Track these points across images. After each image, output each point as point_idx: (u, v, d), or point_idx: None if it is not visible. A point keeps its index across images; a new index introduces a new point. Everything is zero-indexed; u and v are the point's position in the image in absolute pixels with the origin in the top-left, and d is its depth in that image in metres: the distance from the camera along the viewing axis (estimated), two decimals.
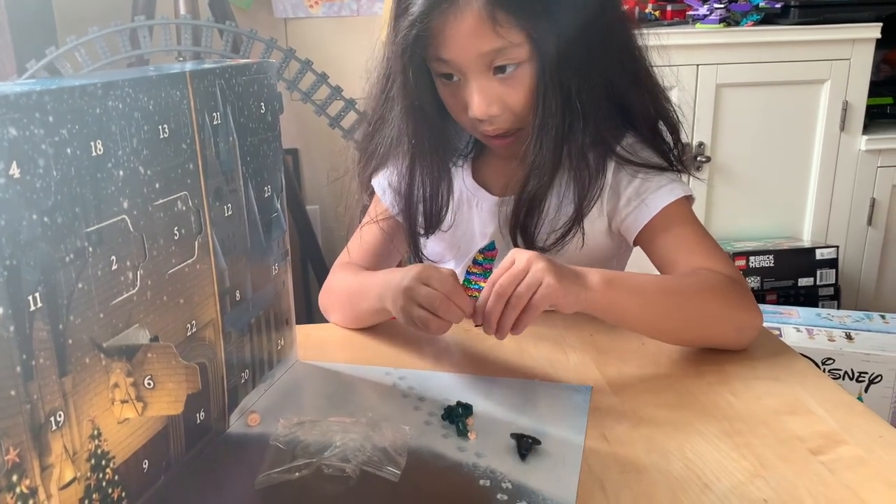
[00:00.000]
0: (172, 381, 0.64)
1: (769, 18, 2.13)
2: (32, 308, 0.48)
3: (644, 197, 0.92)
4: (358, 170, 1.05)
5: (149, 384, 0.61)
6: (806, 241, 2.21)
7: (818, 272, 2.13)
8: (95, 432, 0.55)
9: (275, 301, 0.81)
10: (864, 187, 2.19)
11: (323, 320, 1.00)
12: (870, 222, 2.22)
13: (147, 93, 0.58)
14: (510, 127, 0.91)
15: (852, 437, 0.69)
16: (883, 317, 1.84)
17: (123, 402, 0.58)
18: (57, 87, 0.50)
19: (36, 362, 0.48)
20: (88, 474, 0.54)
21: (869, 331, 1.76)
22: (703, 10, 2.13)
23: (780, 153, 2.16)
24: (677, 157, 0.95)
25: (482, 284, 0.79)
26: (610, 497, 0.62)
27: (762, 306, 0.87)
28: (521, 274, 0.74)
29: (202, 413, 0.69)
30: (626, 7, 2.09)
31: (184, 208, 0.64)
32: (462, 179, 1.02)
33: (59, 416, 0.51)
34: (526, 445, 0.67)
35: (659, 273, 0.92)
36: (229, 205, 0.71)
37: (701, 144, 2.12)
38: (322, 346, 0.92)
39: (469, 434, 0.70)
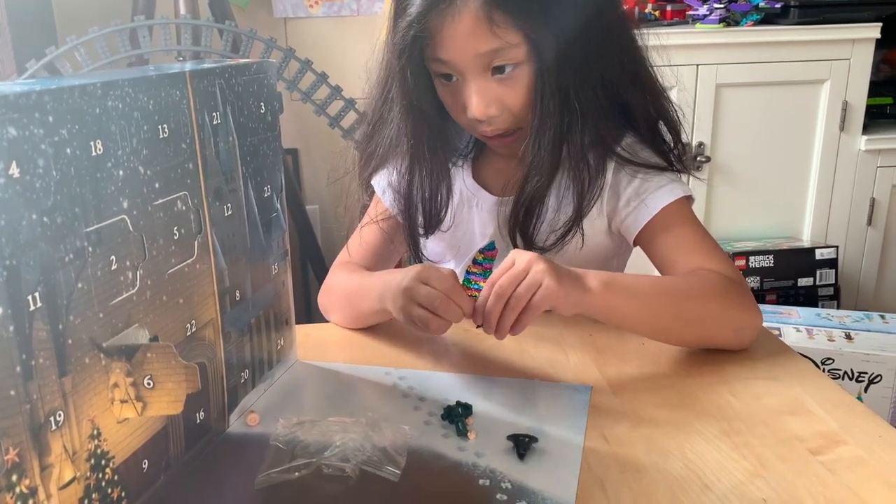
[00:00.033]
0: (172, 381, 0.64)
1: (769, 18, 2.13)
2: (32, 308, 0.48)
3: (644, 197, 0.92)
4: (358, 170, 1.05)
5: (148, 384, 0.61)
6: (806, 241, 2.21)
7: (818, 272, 2.13)
8: (95, 432, 0.55)
9: (274, 301, 0.81)
10: (863, 187, 2.19)
11: (322, 320, 1.00)
12: (869, 222, 2.22)
13: (147, 92, 0.58)
14: (509, 127, 0.91)
15: (852, 437, 0.69)
16: (882, 317, 1.84)
17: (123, 401, 0.58)
18: (56, 86, 0.50)
19: (35, 362, 0.48)
20: (88, 474, 0.54)
21: (868, 331, 1.76)
22: (702, 10, 2.13)
23: (779, 153, 2.16)
24: (677, 157, 0.95)
25: (482, 284, 0.79)
26: (610, 497, 0.62)
27: (762, 306, 0.87)
28: (521, 275, 0.74)
29: (202, 413, 0.69)
30: (625, 7, 2.10)
31: (183, 208, 0.64)
32: (462, 179, 1.02)
33: (59, 415, 0.51)
34: (523, 445, 0.67)
35: (659, 273, 0.92)
36: (229, 204, 0.71)
37: (701, 144, 2.12)
38: (322, 345, 0.92)
39: (469, 434, 0.70)
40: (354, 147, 1.07)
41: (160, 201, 0.61)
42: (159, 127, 0.60)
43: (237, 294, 0.74)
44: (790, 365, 0.83)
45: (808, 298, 2.12)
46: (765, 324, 0.87)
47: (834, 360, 1.69)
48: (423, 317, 0.77)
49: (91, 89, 0.53)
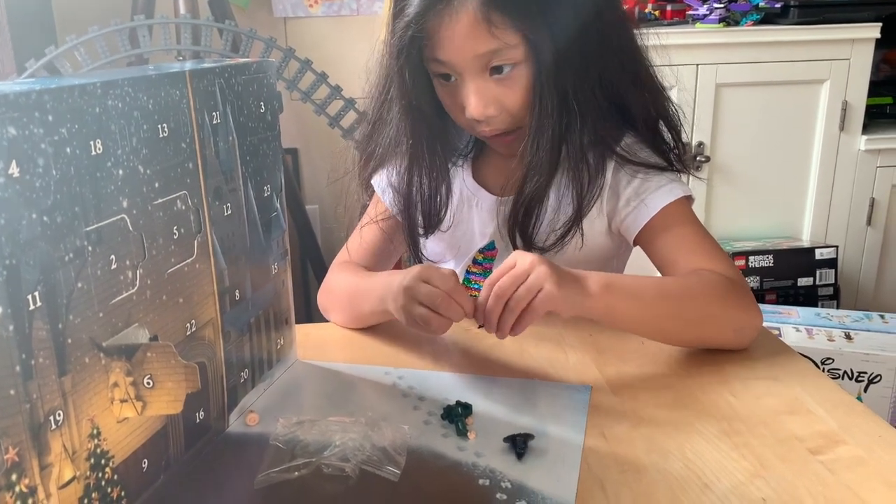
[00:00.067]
0: (172, 381, 0.64)
1: (769, 18, 2.13)
2: (32, 307, 0.48)
3: (643, 197, 0.92)
4: (358, 169, 1.05)
5: (148, 383, 0.61)
6: (805, 241, 2.21)
7: (817, 272, 2.13)
8: (95, 431, 0.55)
9: (274, 300, 0.81)
10: (863, 187, 2.19)
11: (322, 320, 1.00)
12: (869, 222, 2.22)
13: (146, 92, 0.58)
14: (507, 127, 0.91)
15: (852, 436, 0.69)
16: (882, 317, 1.84)
17: (123, 401, 0.58)
18: (56, 86, 0.50)
19: (35, 361, 0.48)
20: (88, 473, 0.54)
21: (868, 331, 1.76)
22: (702, 10, 2.13)
23: (779, 153, 2.16)
24: (677, 157, 0.95)
25: (482, 284, 0.79)
26: (609, 497, 0.62)
27: (762, 306, 0.87)
28: (522, 277, 0.74)
29: (201, 412, 0.69)
30: (625, 7, 2.10)
31: (183, 207, 0.64)
32: (462, 179, 1.02)
33: (59, 415, 0.51)
34: (520, 445, 0.67)
35: (659, 273, 0.92)
36: (229, 204, 0.71)
37: (700, 144, 2.12)
38: (321, 345, 0.92)
39: (468, 433, 0.70)
40: (354, 147, 1.07)
41: (160, 201, 0.61)
42: (159, 126, 0.60)
43: (237, 293, 0.73)
44: (790, 365, 0.83)
45: (808, 298, 2.13)
46: (764, 324, 0.87)
47: (833, 360, 1.69)
48: (425, 315, 0.77)
49: (91, 89, 0.53)
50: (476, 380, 0.82)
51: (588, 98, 0.88)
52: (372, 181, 1.04)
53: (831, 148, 2.16)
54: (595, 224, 0.96)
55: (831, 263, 2.13)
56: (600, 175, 0.93)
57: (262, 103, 0.76)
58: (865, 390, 1.69)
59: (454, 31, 0.83)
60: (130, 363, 0.58)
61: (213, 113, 0.68)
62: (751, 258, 2.09)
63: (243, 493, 0.64)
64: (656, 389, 0.78)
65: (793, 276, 2.12)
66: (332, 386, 0.82)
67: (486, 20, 0.82)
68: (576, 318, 0.85)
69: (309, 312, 2.19)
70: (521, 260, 0.76)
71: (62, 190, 0.50)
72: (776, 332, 1.73)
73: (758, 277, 2.10)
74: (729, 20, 2.11)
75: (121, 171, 0.56)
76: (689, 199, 0.94)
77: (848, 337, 1.74)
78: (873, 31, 2.06)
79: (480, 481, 0.64)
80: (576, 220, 0.93)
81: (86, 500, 0.54)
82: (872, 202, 2.21)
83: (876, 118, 2.23)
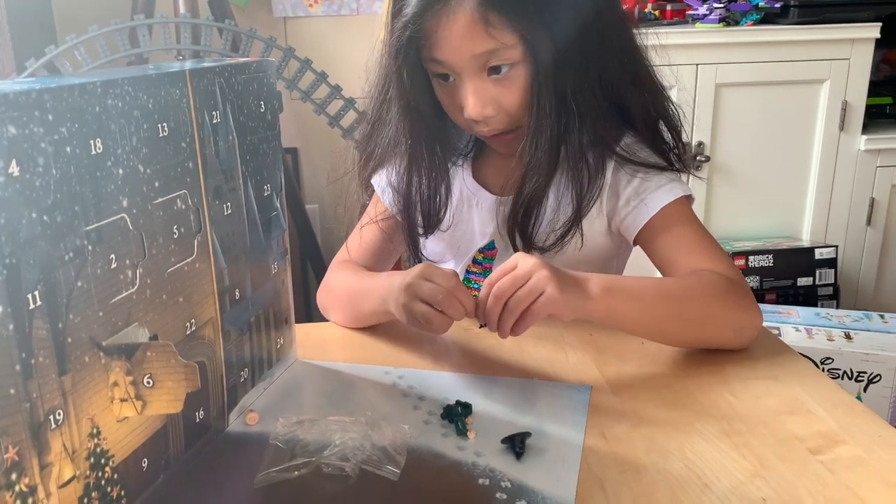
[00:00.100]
0: (172, 380, 0.64)
1: (769, 18, 2.13)
2: (32, 306, 0.48)
3: (643, 197, 0.92)
4: (357, 169, 1.05)
5: (148, 383, 0.61)
6: (805, 241, 2.21)
7: (817, 272, 2.13)
8: (95, 431, 0.55)
9: (274, 300, 0.81)
10: (863, 187, 2.20)
11: (322, 319, 1.00)
12: (869, 222, 2.22)
13: (146, 91, 0.58)
14: (506, 127, 0.91)
15: (851, 436, 0.69)
16: (882, 316, 1.84)
17: (123, 400, 0.58)
18: (56, 85, 0.50)
19: (35, 361, 0.48)
20: (88, 473, 0.54)
21: (868, 330, 1.76)
22: (702, 10, 2.13)
23: (779, 153, 2.16)
24: (677, 157, 0.95)
25: (482, 284, 0.79)
26: (609, 496, 0.62)
27: (761, 306, 0.87)
28: (522, 279, 0.74)
29: (201, 412, 0.69)
30: (625, 7, 2.10)
31: (183, 207, 0.64)
32: (462, 178, 1.02)
33: (59, 414, 0.51)
34: (519, 445, 0.67)
35: (659, 272, 0.92)
36: (229, 203, 0.71)
37: (700, 144, 2.12)
38: (321, 344, 0.92)
39: (468, 433, 0.70)
40: (354, 147, 1.07)
41: (160, 200, 0.61)
42: (159, 126, 0.60)
43: (237, 293, 0.73)
44: (790, 365, 0.83)
45: (808, 298, 2.13)
46: (764, 323, 0.87)
47: (833, 360, 1.69)
48: (426, 312, 0.77)
49: (91, 88, 0.52)
50: (476, 379, 0.82)
51: (587, 98, 0.88)
52: (371, 181, 1.04)
53: (831, 148, 2.16)
54: (595, 224, 0.96)
55: (831, 263, 2.13)
56: (600, 175, 0.93)
57: (262, 103, 0.76)
58: (865, 390, 1.69)
59: (451, 32, 0.83)
60: (130, 362, 0.58)
61: (213, 112, 0.67)
62: (751, 258, 2.09)
63: (243, 492, 0.64)
64: (656, 389, 0.78)
65: (792, 275, 2.12)
66: (331, 385, 0.82)
67: (483, 20, 0.82)
68: (576, 319, 0.86)
69: (309, 312, 2.20)
70: (522, 262, 0.76)
71: (62, 189, 0.50)
72: (776, 332, 1.73)
73: (757, 277, 2.10)
74: (729, 20, 2.11)
75: (121, 171, 0.56)
76: (688, 199, 0.94)
77: (848, 337, 1.74)
78: (873, 30, 2.06)
79: (480, 481, 0.64)
80: (575, 220, 0.93)
81: (86, 500, 0.54)
82: (872, 202, 2.21)
83: (876, 118, 2.23)
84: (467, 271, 1.04)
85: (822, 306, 2.10)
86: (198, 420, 0.68)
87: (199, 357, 0.68)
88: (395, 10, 0.87)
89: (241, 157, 0.73)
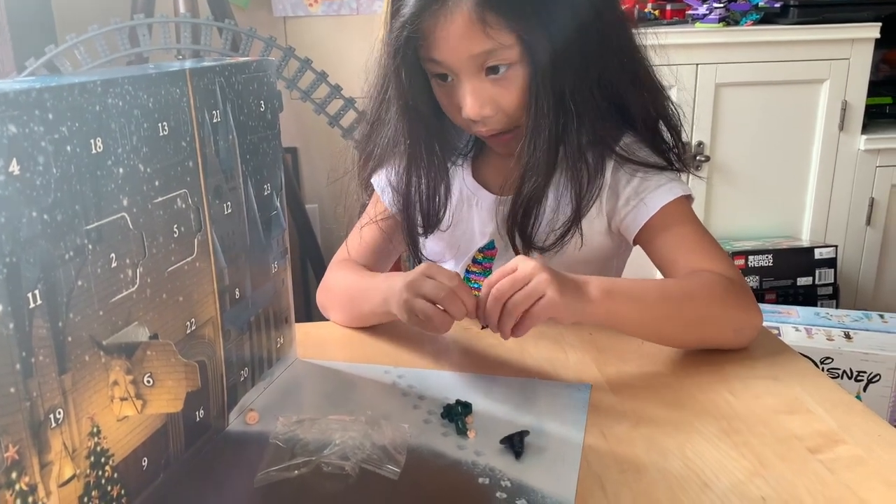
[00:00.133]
0: (172, 379, 0.64)
1: (768, 18, 2.13)
2: (32, 305, 0.48)
3: (643, 196, 0.92)
4: (357, 169, 1.05)
5: (148, 382, 0.61)
6: (805, 241, 2.21)
7: (817, 271, 2.13)
8: (95, 430, 0.55)
9: (274, 299, 0.81)
10: (862, 187, 2.20)
11: (322, 319, 1.00)
12: (868, 222, 2.22)
13: (147, 90, 0.58)
14: (504, 127, 0.91)
15: (851, 436, 0.69)
16: (881, 316, 1.84)
17: (123, 399, 0.58)
18: (57, 84, 0.50)
19: (35, 360, 0.48)
20: (88, 472, 0.54)
21: (868, 330, 1.76)
22: (702, 10, 2.13)
23: (779, 153, 2.16)
24: (677, 157, 0.95)
25: (482, 283, 0.79)
26: (609, 496, 0.62)
27: (761, 306, 0.87)
28: (522, 282, 0.75)
29: (201, 411, 0.69)
30: (625, 6, 2.10)
31: (183, 206, 0.64)
32: (462, 178, 1.02)
33: (59, 413, 0.51)
34: (518, 444, 0.67)
35: (659, 272, 0.92)
36: (229, 203, 0.71)
37: (700, 144, 2.12)
38: (321, 344, 0.92)
39: (468, 432, 0.70)
40: (353, 146, 1.07)
41: (160, 199, 0.61)
42: (159, 125, 0.60)
43: (237, 292, 0.74)
44: (789, 364, 0.83)
45: (808, 298, 2.13)
46: (764, 323, 0.87)
47: (833, 360, 1.69)
48: (427, 310, 0.77)
49: (91, 87, 0.53)
50: (476, 379, 0.82)
51: (586, 98, 0.88)
52: (371, 180, 1.04)
53: (831, 148, 2.16)
54: (595, 223, 0.96)
55: (831, 263, 2.13)
56: (599, 175, 0.93)
57: (262, 102, 0.76)
58: (865, 390, 1.69)
59: (449, 32, 0.83)
60: (130, 361, 0.58)
61: (214, 111, 0.68)
62: (750, 258, 2.09)
63: (243, 491, 0.64)
64: (656, 388, 0.78)
65: (792, 275, 2.12)
66: (331, 385, 0.82)
67: (480, 20, 0.82)
68: (576, 322, 0.86)
69: (309, 311, 2.20)
70: (522, 265, 0.76)
71: (62, 188, 0.50)
72: (776, 332, 1.73)
73: (757, 277, 2.10)
74: (728, 20, 2.11)
75: (121, 170, 0.56)
76: (688, 199, 0.94)
77: (847, 336, 1.74)
78: (873, 30, 2.06)
79: (480, 480, 0.64)
80: (575, 219, 0.93)
81: (86, 499, 0.54)
82: (872, 202, 2.21)
83: (875, 118, 2.23)
84: (467, 271, 1.04)
85: (821, 306, 2.11)
86: (198, 419, 0.68)
87: (199, 356, 0.68)
88: (394, 9, 0.87)
89: (242, 157, 0.73)
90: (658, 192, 0.91)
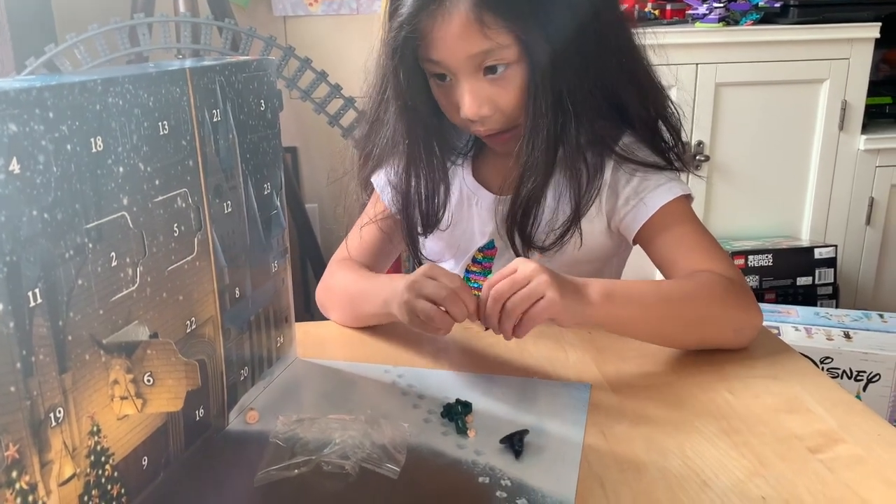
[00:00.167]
0: (172, 378, 0.64)
1: (768, 18, 2.13)
2: (32, 304, 0.48)
3: (642, 196, 0.92)
4: (357, 169, 1.05)
5: (148, 381, 0.61)
6: (804, 241, 2.21)
7: (817, 271, 2.13)
8: (95, 429, 0.55)
9: (274, 298, 0.81)
10: (862, 187, 2.20)
11: (322, 318, 1.00)
12: (868, 222, 2.22)
13: (147, 89, 0.58)
14: (502, 127, 0.91)
15: (851, 435, 0.69)
16: (881, 316, 1.84)
17: (123, 398, 0.58)
18: (57, 83, 0.50)
19: (36, 358, 0.48)
20: (88, 471, 0.54)
21: (867, 330, 1.76)
22: (702, 10, 2.13)
23: (779, 152, 2.16)
24: (677, 156, 0.95)
25: (482, 283, 0.79)
26: (609, 495, 0.62)
27: (761, 305, 0.87)
28: (521, 283, 0.75)
29: (201, 410, 0.69)
30: (624, 6, 2.10)
31: (183, 205, 0.64)
32: (462, 178, 1.02)
33: (59, 412, 0.51)
34: (517, 444, 0.67)
35: (659, 271, 0.92)
36: (229, 202, 0.71)
37: (700, 143, 2.12)
38: (321, 343, 0.92)
39: (468, 432, 0.70)
40: (353, 146, 1.07)
41: (160, 198, 0.61)
42: (159, 124, 0.60)
43: (237, 291, 0.74)
44: (789, 364, 0.83)
45: (807, 297, 2.13)
46: (764, 323, 0.87)
47: (833, 360, 1.70)
48: (428, 310, 0.77)
49: (91, 86, 0.53)
50: (476, 378, 0.82)
51: (584, 98, 0.88)
52: (372, 179, 1.04)
53: (831, 147, 2.16)
54: (594, 223, 0.96)
55: (830, 263, 2.13)
56: (598, 174, 0.93)
57: (262, 101, 0.76)
58: (864, 389, 1.69)
59: (447, 32, 0.83)
60: (130, 360, 0.58)
61: (214, 110, 0.68)
62: (750, 257, 2.09)
63: (243, 490, 0.64)
64: (656, 388, 0.78)
65: (792, 275, 2.12)
66: (331, 384, 0.82)
67: (478, 20, 0.82)
68: (576, 325, 0.86)
69: (309, 310, 2.19)
70: (522, 267, 0.76)
71: (63, 187, 0.50)
72: (775, 332, 1.73)
73: (757, 277, 2.10)
74: (728, 19, 2.11)
75: (121, 169, 0.56)
76: (688, 198, 0.94)
77: (847, 336, 1.74)
78: (873, 30, 2.06)
79: (480, 479, 0.64)
80: (574, 219, 0.93)
81: (86, 498, 0.54)
82: (871, 202, 2.21)
83: (875, 118, 2.23)
84: (467, 270, 1.04)
85: (821, 306, 2.11)
86: (198, 418, 0.68)
87: (199, 355, 0.68)
88: (392, 9, 0.87)
89: (242, 156, 0.73)
90: (658, 192, 0.91)
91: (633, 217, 0.92)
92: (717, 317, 0.83)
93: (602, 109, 0.91)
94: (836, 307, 2.12)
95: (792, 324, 1.79)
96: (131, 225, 0.57)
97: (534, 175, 0.91)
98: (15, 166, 0.46)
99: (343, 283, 0.98)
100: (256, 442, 0.70)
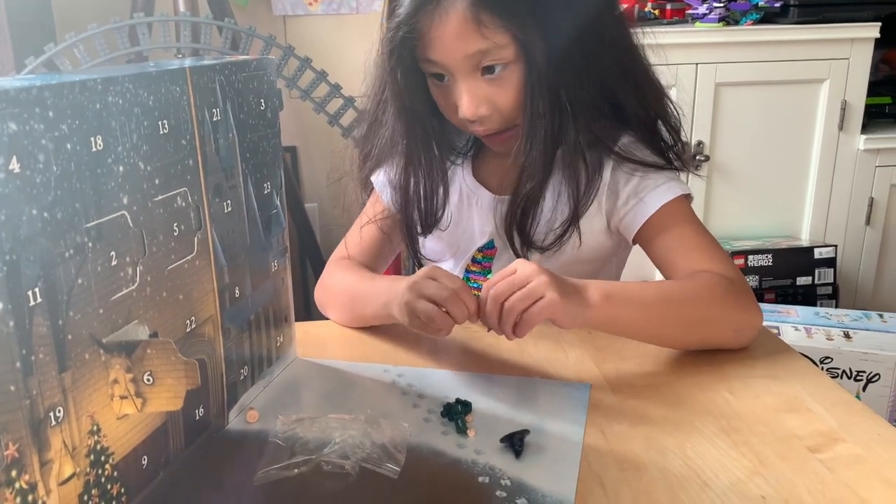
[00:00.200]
0: (172, 377, 0.64)
1: (768, 17, 2.13)
2: (32, 303, 0.48)
3: (642, 195, 0.92)
4: (356, 169, 1.05)
5: (148, 380, 0.61)
6: (804, 241, 2.21)
7: (816, 271, 2.13)
8: (95, 428, 0.55)
9: (274, 298, 0.81)
10: (862, 187, 2.20)
11: (322, 318, 1.00)
12: (868, 222, 2.22)
13: (147, 88, 0.58)
14: (500, 127, 0.90)
15: (851, 435, 0.69)
16: (881, 316, 1.84)
17: (123, 397, 0.58)
18: (57, 82, 0.50)
19: (35, 358, 0.48)
20: (88, 470, 0.54)
21: (867, 330, 1.77)
22: (702, 9, 2.13)
23: (778, 152, 2.17)
24: (676, 156, 0.95)
25: (481, 283, 0.79)
26: (609, 494, 0.62)
27: (760, 305, 0.87)
28: (521, 283, 0.75)
29: (201, 409, 0.69)
30: (624, 6, 2.10)
31: (183, 204, 0.64)
32: (462, 177, 1.02)
33: (59, 411, 0.51)
34: (518, 443, 0.67)
35: (659, 271, 0.92)
36: (229, 201, 0.71)
37: (700, 143, 2.12)
38: (321, 343, 0.92)
39: (468, 431, 0.70)
40: (353, 145, 1.06)
41: (160, 197, 0.61)
42: (159, 123, 0.60)
43: (237, 291, 0.73)
44: (789, 363, 0.83)
45: (807, 297, 2.13)
46: (763, 323, 0.87)
47: (832, 359, 1.70)
48: (429, 311, 0.76)
49: (91, 85, 0.52)
50: (475, 377, 0.82)
51: (582, 97, 0.88)
52: (372, 178, 1.04)
53: (830, 147, 2.16)
54: (594, 223, 0.96)
55: (830, 263, 2.13)
56: (597, 175, 0.93)
57: (262, 100, 0.76)
58: (864, 389, 1.69)
59: (444, 32, 0.83)
60: (130, 360, 0.58)
61: (214, 110, 0.67)
62: (750, 257, 2.09)
63: (243, 490, 0.64)
64: (655, 387, 0.78)
65: (792, 275, 2.12)
66: (331, 383, 0.82)
67: (475, 20, 0.82)
68: (576, 326, 0.85)
69: (308, 310, 2.19)
70: (521, 268, 0.76)
71: (63, 186, 0.50)
72: (775, 332, 1.73)
73: (757, 277, 2.10)
74: (728, 19, 2.11)
75: (121, 168, 0.56)
76: (687, 198, 0.93)
77: (847, 336, 1.74)
78: (872, 30, 2.06)
79: (480, 479, 0.64)
80: (573, 219, 0.93)
81: (85, 497, 0.54)
82: (871, 202, 2.21)
83: (875, 118, 2.23)
84: (467, 270, 1.04)
85: (821, 306, 2.11)
86: (197, 418, 0.68)
87: (198, 355, 0.68)
88: (390, 10, 0.87)
89: (242, 155, 0.73)
90: (657, 192, 0.91)
91: (633, 217, 0.92)
92: (717, 317, 0.83)
93: (601, 109, 0.90)
94: (836, 307, 2.12)
95: (792, 324, 1.79)
96: (131, 224, 0.57)
97: (532, 175, 0.90)
98: (15, 165, 0.46)
99: (343, 283, 0.98)
100: (256, 441, 0.70)
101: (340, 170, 1.08)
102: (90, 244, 0.53)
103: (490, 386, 0.80)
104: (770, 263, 2.10)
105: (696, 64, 2.07)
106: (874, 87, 2.16)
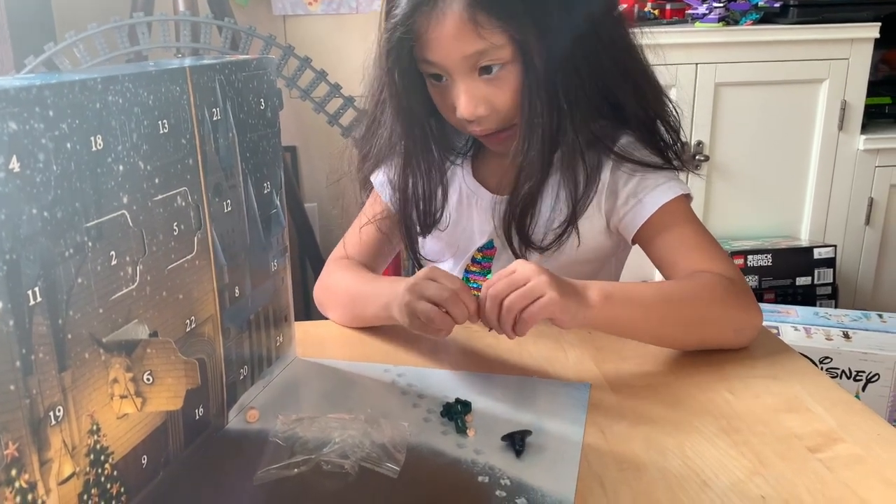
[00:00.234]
0: (171, 377, 0.64)
1: (768, 17, 2.13)
2: (32, 303, 0.48)
3: (641, 196, 0.92)
4: (356, 169, 1.05)
5: (148, 379, 0.61)
6: (804, 241, 2.21)
7: (816, 271, 2.13)
8: (94, 427, 0.55)
9: (274, 297, 0.81)
10: (862, 187, 2.20)
11: (321, 318, 1.00)
12: (868, 222, 2.22)
13: (147, 88, 0.58)
14: (498, 127, 0.90)
15: (850, 435, 0.69)
16: (880, 316, 1.84)
17: (122, 397, 0.58)
18: (57, 81, 0.50)
19: (35, 357, 0.48)
20: (87, 469, 0.54)
21: (867, 330, 1.77)
22: (702, 9, 2.13)
23: (778, 152, 2.17)
24: (676, 156, 0.95)
25: (481, 283, 0.79)
26: (609, 494, 0.62)
27: (760, 305, 0.87)
28: (520, 283, 0.75)
29: (201, 409, 0.69)
30: (624, 6, 2.10)
31: (183, 204, 0.64)
32: (462, 177, 1.02)
33: (59, 410, 0.51)
34: (519, 443, 0.67)
35: (658, 271, 0.92)
36: (229, 201, 0.71)
37: (699, 143, 2.12)
38: (321, 342, 0.92)
39: (468, 431, 0.70)
40: (353, 145, 1.06)
41: (160, 197, 0.61)
42: (159, 122, 0.60)
43: (236, 290, 0.73)
44: (789, 363, 0.83)
45: (806, 297, 2.13)
46: (763, 323, 0.87)
47: (832, 360, 1.70)
48: (428, 311, 0.76)
49: (91, 84, 0.52)
50: (475, 377, 0.82)
51: (580, 97, 0.88)
52: (371, 178, 1.04)
53: (830, 147, 2.16)
54: (594, 223, 0.96)
55: (830, 263, 2.13)
56: (596, 175, 0.93)
57: (262, 100, 0.76)
58: (864, 389, 1.69)
59: (441, 33, 0.83)
60: (130, 359, 0.58)
61: (214, 109, 0.67)
62: (749, 257, 2.09)
63: (242, 489, 0.64)
64: (655, 387, 0.78)
65: (791, 275, 2.12)
66: (331, 383, 0.82)
67: (472, 21, 0.82)
68: (576, 327, 0.85)
69: (308, 310, 2.19)
70: (521, 268, 0.76)
71: (62, 185, 0.50)
72: (775, 332, 1.73)
73: (756, 277, 2.10)
74: (728, 19, 2.11)
75: (121, 167, 0.56)
76: (687, 198, 0.93)
77: (846, 336, 1.74)
78: (872, 30, 2.07)
79: (480, 478, 0.64)
80: (572, 219, 0.93)
81: (85, 496, 0.54)
82: (871, 202, 2.21)
83: (875, 118, 2.23)
84: (466, 270, 1.04)
85: (820, 306, 2.11)
86: (197, 417, 0.68)
87: (198, 354, 0.68)
88: (387, 10, 0.87)
89: (241, 155, 0.73)
90: (657, 192, 0.91)
91: (633, 217, 0.92)
92: (717, 317, 0.83)
93: (599, 109, 0.90)
94: (836, 307, 2.12)
95: (791, 324, 1.79)
96: (131, 223, 0.57)
97: (530, 175, 0.90)
98: (15, 164, 0.46)
99: (343, 283, 0.98)
100: (256, 441, 0.70)
101: (340, 170, 1.07)
102: (90, 243, 0.53)
103: (490, 386, 0.80)
104: (769, 263, 2.10)
105: (696, 64, 2.07)
106: (874, 87, 2.16)
